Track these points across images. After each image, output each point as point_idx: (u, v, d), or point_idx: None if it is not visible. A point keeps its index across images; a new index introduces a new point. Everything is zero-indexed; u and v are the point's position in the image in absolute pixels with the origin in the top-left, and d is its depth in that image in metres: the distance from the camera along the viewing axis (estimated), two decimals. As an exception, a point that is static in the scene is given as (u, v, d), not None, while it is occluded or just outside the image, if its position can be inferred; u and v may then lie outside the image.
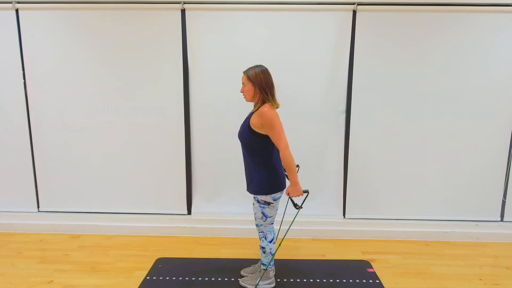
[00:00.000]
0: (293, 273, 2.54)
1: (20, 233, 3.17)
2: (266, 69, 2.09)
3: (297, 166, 2.26)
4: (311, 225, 3.13)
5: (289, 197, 2.13)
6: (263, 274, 2.30)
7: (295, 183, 2.07)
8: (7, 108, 3.10)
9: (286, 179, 2.27)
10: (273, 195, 2.13)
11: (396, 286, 2.41)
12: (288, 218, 3.15)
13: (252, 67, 2.10)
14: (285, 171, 2.34)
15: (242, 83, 2.12)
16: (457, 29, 2.88)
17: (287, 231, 2.33)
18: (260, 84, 2.05)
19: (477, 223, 3.14)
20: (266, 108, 2.02)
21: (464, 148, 3.06)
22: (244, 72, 2.11)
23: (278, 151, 2.16)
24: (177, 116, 3.09)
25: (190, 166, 3.19)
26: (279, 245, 2.28)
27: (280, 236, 3.14)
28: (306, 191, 2.14)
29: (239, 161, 3.09)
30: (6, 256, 2.76)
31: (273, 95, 2.10)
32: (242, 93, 2.14)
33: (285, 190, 2.15)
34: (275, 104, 2.09)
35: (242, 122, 2.48)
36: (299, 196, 2.10)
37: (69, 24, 2.96)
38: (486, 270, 2.62)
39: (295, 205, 2.15)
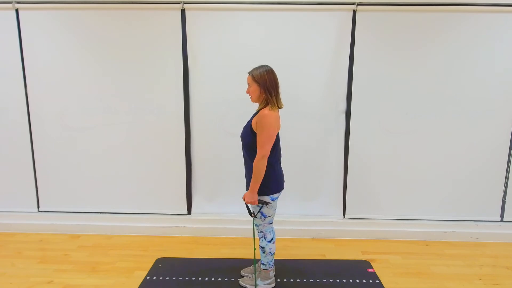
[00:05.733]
0: (293, 273, 2.54)
1: (20, 233, 3.17)
2: (271, 69, 2.08)
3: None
4: (311, 225, 3.13)
5: (245, 203, 2.14)
6: (255, 271, 2.30)
7: (253, 191, 2.07)
8: (7, 108, 3.10)
9: (284, 179, 2.28)
10: (271, 195, 2.13)
11: (396, 286, 2.40)
12: (290, 219, 3.16)
13: (257, 67, 2.09)
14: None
15: (248, 83, 2.12)
16: (457, 30, 2.88)
17: (254, 239, 2.30)
18: (265, 85, 2.04)
19: (477, 223, 3.14)
20: (266, 111, 2.01)
21: (464, 148, 3.06)
22: (249, 73, 2.10)
23: (277, 152, 2.16)
24: (177, 115, 3.09)
25: (190, 166, 3.19)
26: (254, 264, 2.26)
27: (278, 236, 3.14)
28: (262, 203, 2.14)
29: (239, 161, 3.09)
30: (6, 256, 2.76)
31: (277, 96, 2.09)
32: (248, 94, 2.13)
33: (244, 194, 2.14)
34: (278, 105, 2.09)
35: (242, 121, 2.49)
36: (253, 203, 2.11)
37: (69, 23, 2.96)
38: (486, 270, 2.62)
39: (250, 212, 2.18)
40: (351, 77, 3.00)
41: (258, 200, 2.14)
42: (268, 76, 2.05)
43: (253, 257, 2.76)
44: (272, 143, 2.05)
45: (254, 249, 2.28)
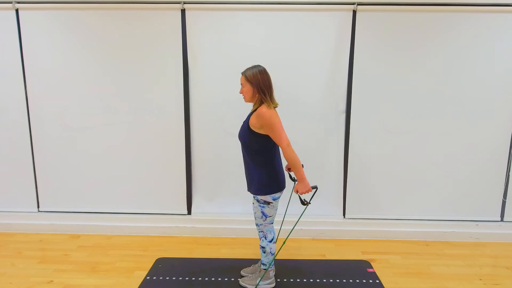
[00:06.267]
0: (293, 273, 2.54)
1: (20, 233, 3.17)
2: (264, 69, 2.09)
3: (302, 165, 2.26)
4: (311, 225, 3.13)
5: (298, 194, 2.12)
6: (264, 274, 2.30)
7: (302, 179, 2.07)
8: (7, 108, 3.10)
9: (286, 178, 2.28)
10: (273, 195, 2.14)
11: (396, 286, 2.41)
12: (290, 219, 3.15)
13: (250, 67, 2.10)
14: (289, 170, 2.36)
15: (241, 84, 2.13)
16: (457, 30, 2.88)
17: (293, 228, 2.33)
18: (258, 84, 2.05)
19: (477, 223, 3.14)
20: (263, 108, 2.02)
21: (464, 148, 3.06)
22: (242, 73, 2.11)
23: (277, 151, 2.17)
24: (177, 115, 3.09)
25: (190, 166, 3.19)
26: (283, 244, 2.29)
27: (283, 236, 3.14)
28: (315, 187, 2.13)
29: (239, 161, 3.09)
30: (6, 256, 2.76)
31: (271, 95, 2.10)
32: (241, 94, 2.14)
33: (293, 188, 2.14)
34: (273, 104, 2.09)
35: (242, 121, 2.49)
36: (307, 192, 2.09)
37: (69, 24, 2.96)
38: (486, 270, 2.62)
39: (303, 201, 2.13)
40: (351, 77, 3.00)
41: (262, 200, 2.14)
42: (261, 76, 2.06)
43: (252, 257, 2.76)
44: (284, 131, 2.05)
45: (284, 242, 2.28)
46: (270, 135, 2.04)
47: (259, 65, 2.10)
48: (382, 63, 2.96)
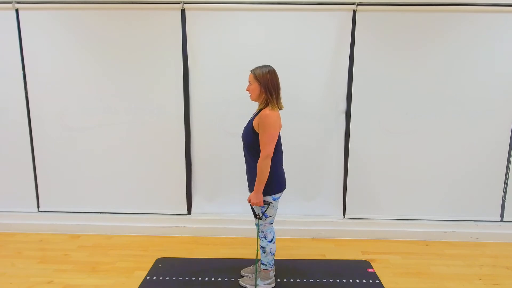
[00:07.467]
0: (293, 273, 2.54)
1: (20, 233, 3.17)
2: (274, 70, 2.09)
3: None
4: (311, 225, 3.13)
5: (250, 205, 2.12)
6: (257, 272, 2.30)
7: (258, 191, 2.07)
8: (7, 108, 3.10)
9: (286, 180, 2.27)
10: (273, 195, 2.14)
11: (396, 286, 2.41)
12: (291, 219, 3.16)
13: (260, 66, 2.10)
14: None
15: (249, 81, 2.13)
16: (457, 30, 2.88)
17: (257, 240, 2.30)
18: (266, 84, 2.05)
19: (477, 223, 3.14)
20: (267, 111, 2.02)
21: (464, 148, 3.06)
22: (251, 71, 2.11)
23: (279, 152, 2.17)
24: (177, 115, 3.09)
25: (190, 166, 3.19)
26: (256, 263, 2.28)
27: (284, 236, 3.14)
28: (267, 204, 2.14)
29: (239, 161, 3.09)
30: (6, 256, 2.76)
31: (277, 97, 2.10)
32: (248, 92, 2.14)
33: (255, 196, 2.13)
34: (278, 106, 2.09)
35: (242, 121, 2.49)
36: (258, 205, 2.10)
37: (69, 23, 2.96)
38: (486, 270, 2.62)
39: (255, 214, 2.17)
40: (351, 77, 3.00)
41: (268, 198, 2.14)
42: (270, 76, 2.06)
43: (252, 257, 2.76)
44: (275, 143, 2.06)
45: (257, 250, 2.28)
46: (260, 137, 2.04)
47: (269, 65, 2.11)
48: (382, 63, 2.96)
